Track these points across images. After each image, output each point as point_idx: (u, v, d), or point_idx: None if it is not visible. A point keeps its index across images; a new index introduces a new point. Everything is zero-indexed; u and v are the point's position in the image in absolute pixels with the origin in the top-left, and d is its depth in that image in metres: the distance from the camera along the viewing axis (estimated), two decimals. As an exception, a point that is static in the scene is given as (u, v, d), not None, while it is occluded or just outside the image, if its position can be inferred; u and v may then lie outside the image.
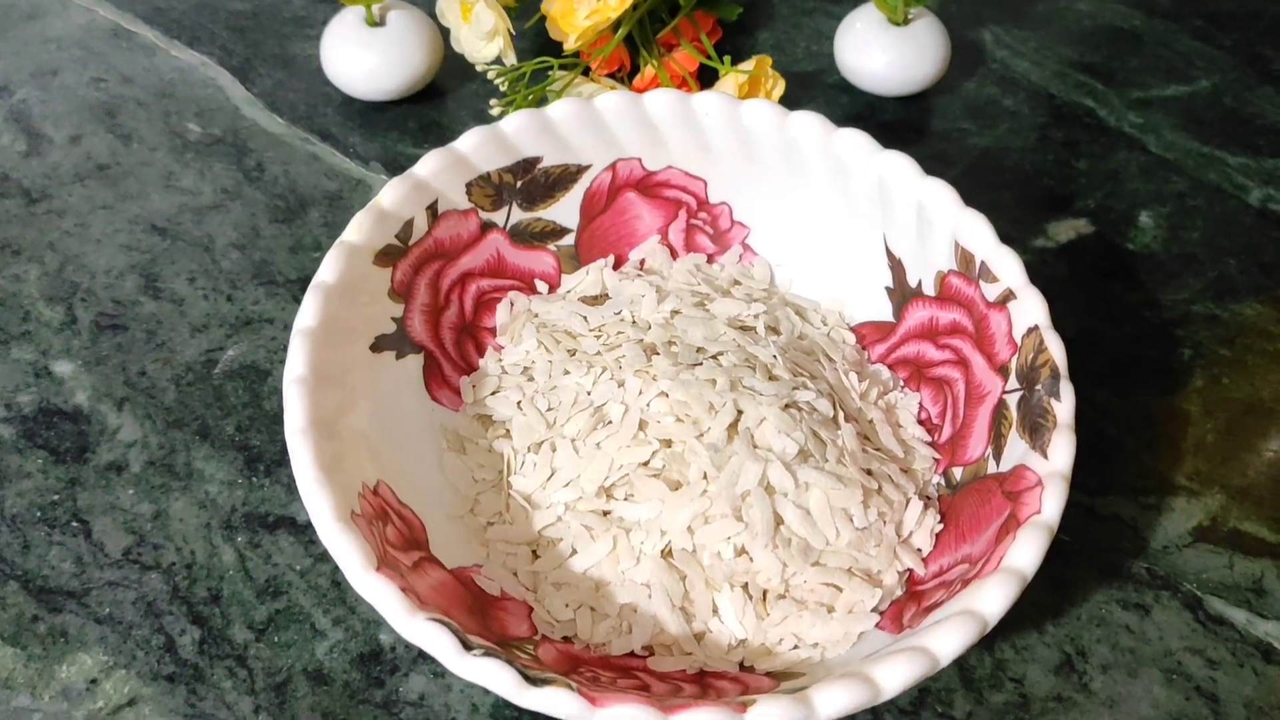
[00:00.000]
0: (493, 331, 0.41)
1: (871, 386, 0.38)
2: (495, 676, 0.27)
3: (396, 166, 0.50)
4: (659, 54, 0.52)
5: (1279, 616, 0.36)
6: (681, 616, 0.33)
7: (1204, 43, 0.58)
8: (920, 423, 0.38)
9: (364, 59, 0.51)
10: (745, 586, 0.33)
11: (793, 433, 0.34)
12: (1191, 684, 0.35)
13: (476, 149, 0.38)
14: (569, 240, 0.42)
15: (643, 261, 0.43)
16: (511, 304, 0.41)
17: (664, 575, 0.33)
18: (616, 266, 0.43)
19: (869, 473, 0.35)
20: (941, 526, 0.35)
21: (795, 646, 0.33)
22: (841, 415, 0.36)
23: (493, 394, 0.39)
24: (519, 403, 0.38)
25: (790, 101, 0.53)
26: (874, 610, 0.33)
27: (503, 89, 0.50)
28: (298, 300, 0.44)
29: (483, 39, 0.50)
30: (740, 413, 0.35)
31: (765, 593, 0.33)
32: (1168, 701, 0.35)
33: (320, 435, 0.32)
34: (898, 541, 0.34)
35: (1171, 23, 0.60)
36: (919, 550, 0.35)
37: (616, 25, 0.50)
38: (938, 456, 0.37)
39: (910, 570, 0.34)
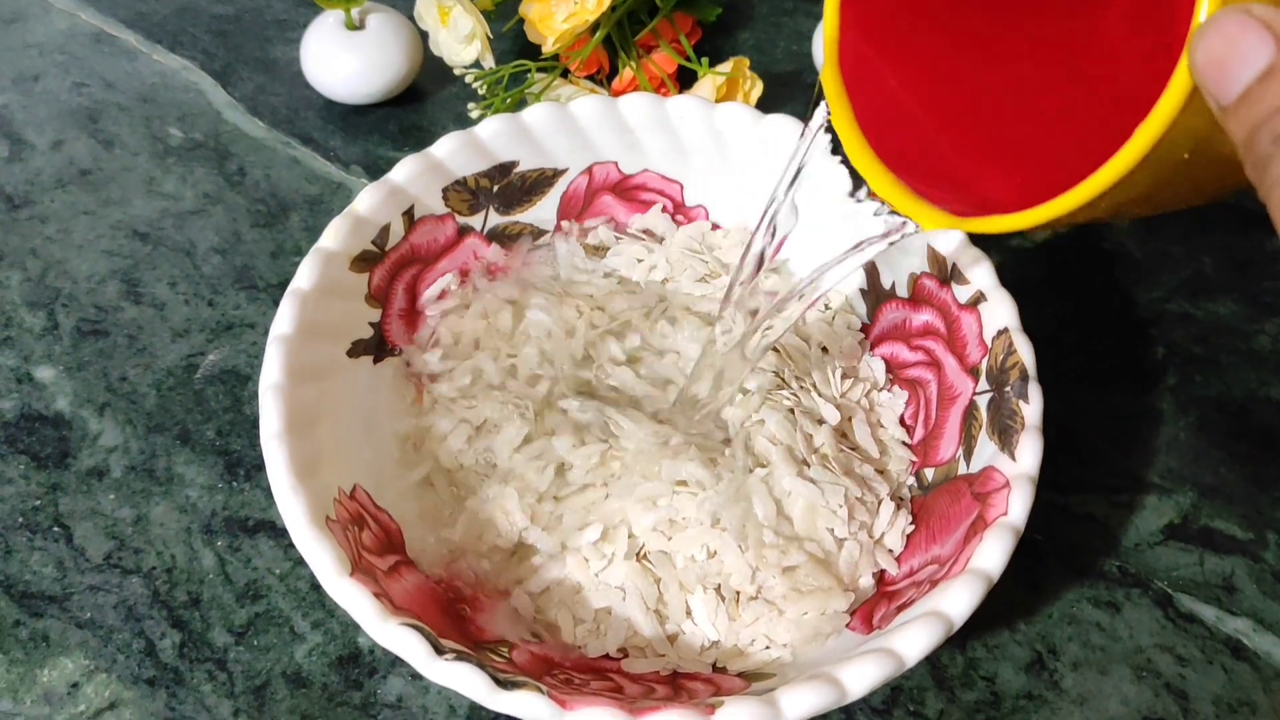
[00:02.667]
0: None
1: (856, 384, 0.38)
2: (466, 680, 0.27)
3: (377, 170, 0.50)
4: (638, 56, 0.52)
5: (1248, 613, 0.37)
6: (655, 619, 0.33)
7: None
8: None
9: (344, 62, 0.51)
10: (718, 589, 0.33)
11: (773, 437, 0.34)
12: (1161, 681, 0.35)
13: (452, 154, 0.39)
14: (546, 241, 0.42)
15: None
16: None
17: (638, 578, 0.33)
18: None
19: (845, 473, 0.35)
20: (913, 528, 0.35)
21: (767, 647, 0.33)
22: (825, 417, 0.36)
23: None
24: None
25: (769, 102, 0.53)
26: (846, 611, 0.34)
27: (481, 92, 0.51)
28: (278, 305, 0.44)
29: (461, 42, 0.50)
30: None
31: (737, 594, 0.34)
32: (1137, 698, 0.35)
33: (295, 440, 0.32)
34: (871, 543, 0.35)
35: (1150, 21, 0.60)
36: (891, 551, 0.35)
37: (595, 28, 0.51)
38: (914, 459, 0.37)
39: (883, 570, 0.35)
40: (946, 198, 0.28)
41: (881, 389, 0.39)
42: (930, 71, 0.31)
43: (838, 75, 0.30)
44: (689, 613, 0.33)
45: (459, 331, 0.39)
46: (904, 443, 0.38)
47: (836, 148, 0.30)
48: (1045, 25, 0.33)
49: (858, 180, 0.30)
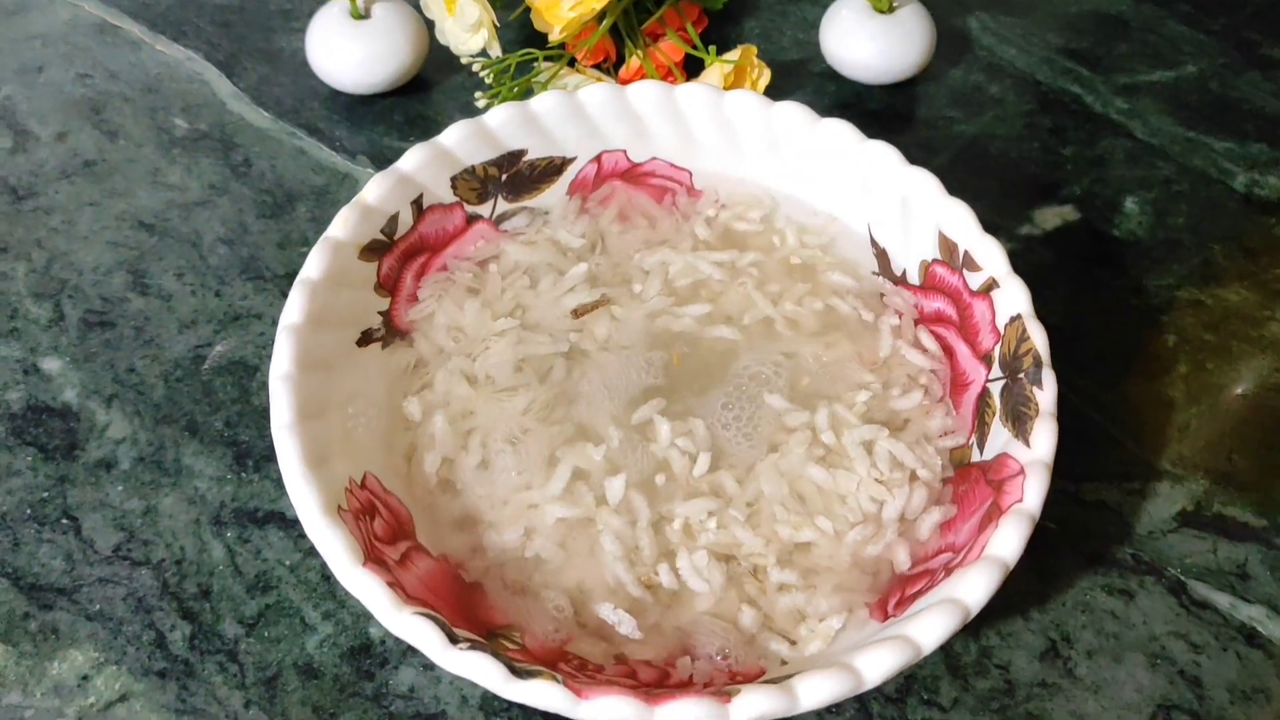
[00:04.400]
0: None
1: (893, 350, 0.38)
2: (482, 669, 0.27)
3: (383, 160, 0.50)
4: (644, 44, 0.52)
5: (1262, 600, 0.37)
6: (626, 563, 0.33)
7: (1191, 28, 0.58)
8: None
9: (349, 52, 0.50)
10: (728, 559, 0.33)
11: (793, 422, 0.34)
12: (1175, 668, 0.35)
13: (461, 143, 0.38)
14: (555, 231, 0.42)
15: None
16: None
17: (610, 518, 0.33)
18: None
19: (867, 450, 0.35)
20: (946, 518, 0.34)
21: (803, 619, 0.33)
22: (845, 401, 0.36)
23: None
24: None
25: (776, 90, 0.53)
26: (860, 598, 0.33)
27: (488, 81, 0.50)
28: (286, 295, 0.44)
29: (467, 31, 0.50)
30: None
31: (756, 568, 0.33)
32: (1151, 686, 0.35)
33: (306, 430, 0.32)
34: (894, 527, 0.34)
35: (1159, 8, 0.60)
36: (921, 541, 0.34)
37: (601, 16, 0.50)
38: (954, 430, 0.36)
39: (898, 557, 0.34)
40: None
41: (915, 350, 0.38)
42: None
43: None
44: (674, 568, 0.33)
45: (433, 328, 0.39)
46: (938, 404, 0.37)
47: None
48: None
49: None
